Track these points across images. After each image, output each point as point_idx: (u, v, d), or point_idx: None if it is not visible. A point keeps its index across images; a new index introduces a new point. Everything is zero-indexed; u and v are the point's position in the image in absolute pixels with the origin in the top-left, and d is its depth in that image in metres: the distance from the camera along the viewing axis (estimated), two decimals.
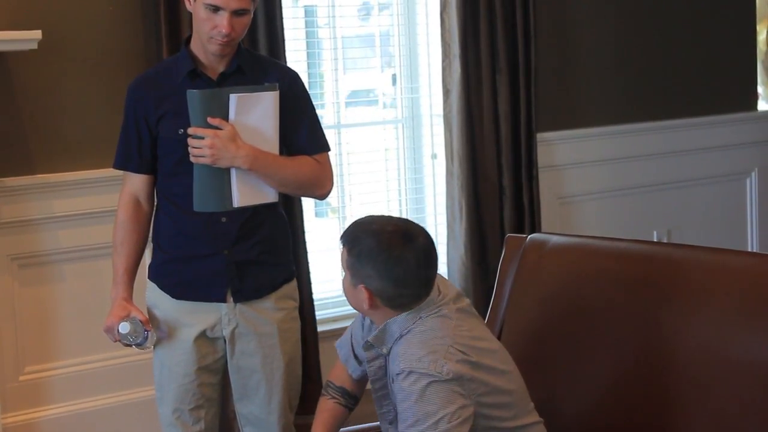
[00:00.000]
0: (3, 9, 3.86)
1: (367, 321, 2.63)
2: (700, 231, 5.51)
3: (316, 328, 4.42)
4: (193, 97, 2.79)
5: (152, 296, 3.00)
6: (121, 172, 2.98)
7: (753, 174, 5.79)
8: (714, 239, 5.38)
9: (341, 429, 2.77)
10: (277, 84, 2.86)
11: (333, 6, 4.75)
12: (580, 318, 2.76)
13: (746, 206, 5.79)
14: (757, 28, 5.84)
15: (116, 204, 2.98)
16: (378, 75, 5.03)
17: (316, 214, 4.85)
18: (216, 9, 2.78)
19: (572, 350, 2.75)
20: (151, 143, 2.92)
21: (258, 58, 3.05)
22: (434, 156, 4.96)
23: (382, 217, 2.57)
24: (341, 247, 2.52)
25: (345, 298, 2.57)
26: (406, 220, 2.58)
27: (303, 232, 4.39)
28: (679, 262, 2.70)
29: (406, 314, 2.47)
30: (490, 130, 4.79)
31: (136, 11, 4.10)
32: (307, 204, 4.56)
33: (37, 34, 3.73)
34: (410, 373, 2.38)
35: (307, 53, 4.75)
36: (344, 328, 2.89)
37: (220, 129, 2.78)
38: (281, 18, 4.28)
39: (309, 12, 4.79)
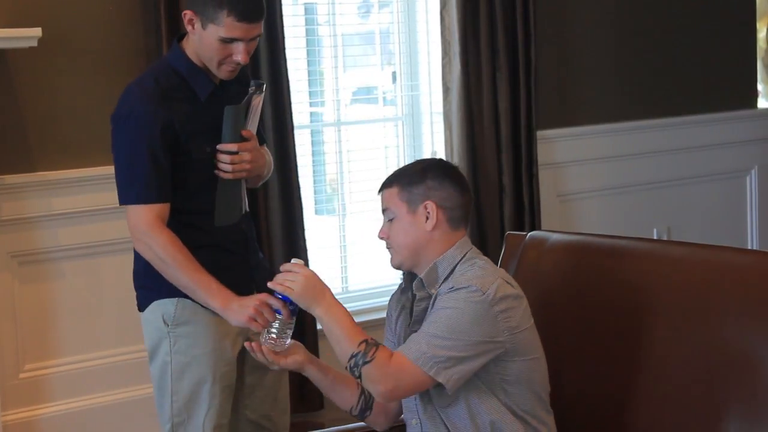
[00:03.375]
0: (3, 6, 3.85)
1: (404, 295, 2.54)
2: (700, 228, 5.51)
3: (316, 325, 4.42)
4: (232, 112, 2.74)
5: (184, 314, 2.79)
6: None
7: (753, 171, 5.79)
8: (714, 237, 5.37)
9: (334, 429, 2.76)
10: (263, 84, 2.85)
11: (333, 3, 4.74)
12: (579, 315, 2.76)
13: (746, 204, 5.79)
14: (757, 25, 5.84)
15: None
16: (378, 72, 5.02)
17: (316, 212, 4.85)
18: (233, 39, 2.65)
19: (571, 347, 2.75)
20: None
21: None
22: (434, 154, 4.96)
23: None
24: (384, 191, 2.48)
25: (389, 247, 2.47)
26: None
27: (303, 230, 4.39)
28: (678, 260, 2.69)
29: (453, 249, 2.45)
30: (490, 127, 4.79)
31: (136, 9, 4.10)
32: (307, 202, 4.56)
33: (37, 31, 3.72)
34: (457, 289, 2.37)
35: (307, 51, 4.74)
36: None
37: (248, 141, 2.77)
38: (281, 16, 4.28)
39: (309, 9, 4.79)
